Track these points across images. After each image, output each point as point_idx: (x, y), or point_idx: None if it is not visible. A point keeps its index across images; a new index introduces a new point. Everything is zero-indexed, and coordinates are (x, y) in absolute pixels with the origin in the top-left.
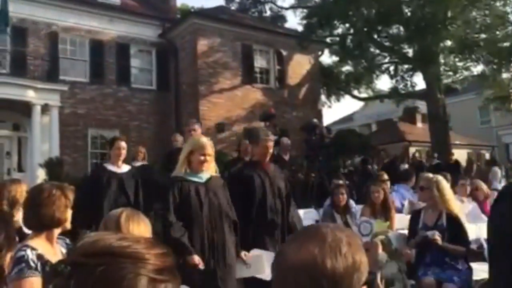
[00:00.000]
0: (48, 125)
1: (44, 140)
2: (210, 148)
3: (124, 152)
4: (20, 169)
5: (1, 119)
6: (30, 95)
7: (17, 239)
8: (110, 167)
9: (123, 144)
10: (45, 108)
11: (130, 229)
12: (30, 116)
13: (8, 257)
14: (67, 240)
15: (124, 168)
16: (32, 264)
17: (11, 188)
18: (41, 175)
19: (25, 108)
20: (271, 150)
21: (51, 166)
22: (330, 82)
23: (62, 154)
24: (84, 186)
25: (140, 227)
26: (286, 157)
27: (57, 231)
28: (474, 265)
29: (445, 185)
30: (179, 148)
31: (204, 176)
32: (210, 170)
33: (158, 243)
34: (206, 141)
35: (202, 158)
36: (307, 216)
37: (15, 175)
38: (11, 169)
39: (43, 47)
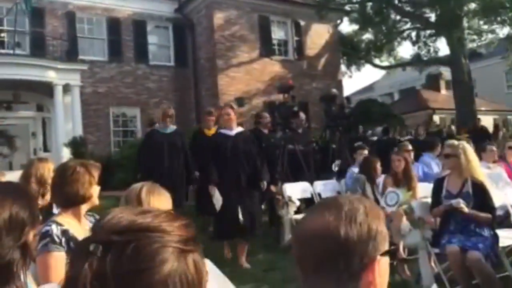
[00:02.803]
0: (70, 105)
1: (67, 120)
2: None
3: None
4: (45, 149)
5: (25, 101)
6: (51, 75)
7: (40, 217)
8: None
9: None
10: (67, 88)
11: (150, 202)
12: (53, 96)
13: (31, 234)
14: (97, 216)
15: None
16: (56, 239)
17: (38, 166)
18: (66, 154)
19: (47, 89)
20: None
21: (75, 145)
22: (350, 51)
23: (86, 133)
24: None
25: (161, 200)
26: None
27: (84, 208)
28: (500, 231)
29: (471, 151)
30: None
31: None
32: None
33: (179, 216)
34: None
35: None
36: (327, 187)
37: (41, 155)
38: (37, 149)
39: (61, 27)
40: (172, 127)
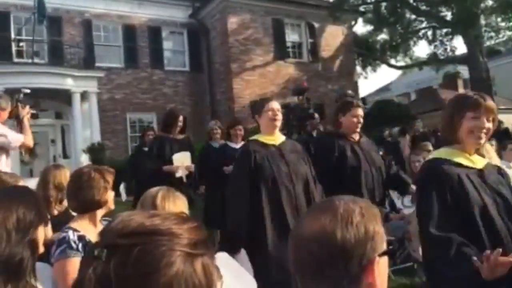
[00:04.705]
0: (88, 112)
1: (85, 127)
2: None
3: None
4: (65, 155)
5: (44, 108)
6: (69, 83)
7: (48, 215)
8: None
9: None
10: (84, 95)
11: (166, 208)
12: (71, 104)
13: (38, 231)
14: None
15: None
16: (73, 244)
17: (56, 173)
18: (84, 160)
19: (66, 96)
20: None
21: (94, 151)
22: (365, 52)
23: (103, 139)
24: None
25: (176, 206)
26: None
27: (100, 213)
28: None
29: (491, 150)
30: None
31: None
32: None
33: (189, 218)
34: None
35: None
36: None
37: (60, 162)
38: (56, 156)
39: (78, 35)
40: None
